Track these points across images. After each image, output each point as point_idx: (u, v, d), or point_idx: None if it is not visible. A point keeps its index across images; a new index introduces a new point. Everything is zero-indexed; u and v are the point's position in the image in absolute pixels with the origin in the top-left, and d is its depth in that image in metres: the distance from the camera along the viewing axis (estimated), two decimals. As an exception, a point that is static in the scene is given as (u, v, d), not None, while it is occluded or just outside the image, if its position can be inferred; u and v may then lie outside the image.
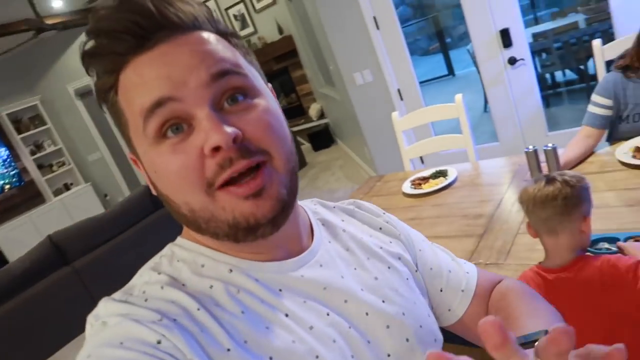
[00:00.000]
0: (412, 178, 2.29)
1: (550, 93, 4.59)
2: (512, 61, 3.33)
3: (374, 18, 3.55)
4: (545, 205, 1.05)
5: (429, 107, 2.47)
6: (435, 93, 6.79)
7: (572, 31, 4.44)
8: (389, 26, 3.58)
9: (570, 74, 4.74)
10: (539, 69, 4.60)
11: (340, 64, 3.81)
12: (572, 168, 1.80)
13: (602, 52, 2.15)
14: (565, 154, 1.86)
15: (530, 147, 1.63)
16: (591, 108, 1.90)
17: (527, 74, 3.36)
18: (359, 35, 3.61)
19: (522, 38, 3.27)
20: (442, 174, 2.25)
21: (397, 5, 4.05)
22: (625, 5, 2.77)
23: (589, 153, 1.87)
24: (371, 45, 3.61)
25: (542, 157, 1.62)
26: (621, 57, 1.84)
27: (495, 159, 2.25)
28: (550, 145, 1.59)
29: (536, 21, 6.44)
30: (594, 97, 1.89)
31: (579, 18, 4.69)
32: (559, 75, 4.82)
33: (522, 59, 3.31)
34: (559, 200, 1.04)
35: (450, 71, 7.76)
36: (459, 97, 2.33)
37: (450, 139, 2.45)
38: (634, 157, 1.67)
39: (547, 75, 4.76)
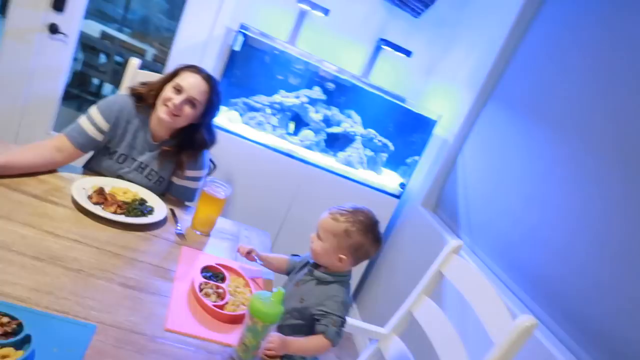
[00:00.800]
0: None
1: (75, 92, 4.06)
2: (54, 29, 2.63)
3: None
4: None
5: None
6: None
7: (138, 54, 4.24)
8: None
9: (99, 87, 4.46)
10: (79, 66, 4.10)
11: None
12: (6, 176, 1.24)
13: (135, 72, 1.83)
14: (10, 154, 1.30)
15: None
16: (84, 122, 1.48)
17: (61, 53, 2.72)
18: None
19: (78, 12, 2.66)
20: None
21: None
22: (184, 55, 2.70)
23: (50, 169, 1.39)
24: None
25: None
26: (143, 84, 1.55)
27: None
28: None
29: (120, 29, 6.06)
30: (94, 111, 1.49)
31: (150, 50, 4.61)
32: (95, 84, 4.44)
33: (65, 34, 2.67)
34: None
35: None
36: None
37: None
38: (90, 197, 1.29)
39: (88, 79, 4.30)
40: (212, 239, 1.47)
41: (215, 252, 1.40)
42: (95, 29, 4.27)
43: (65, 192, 1.32)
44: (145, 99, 1.52)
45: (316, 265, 1.29)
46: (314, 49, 2.69)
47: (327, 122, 2.75)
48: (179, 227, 1.42)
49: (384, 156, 2.83)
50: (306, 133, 2.66)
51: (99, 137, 1.48)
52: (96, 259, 1.10)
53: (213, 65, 2.66)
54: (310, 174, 2.58)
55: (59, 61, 2.74)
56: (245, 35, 2.51)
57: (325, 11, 2.49)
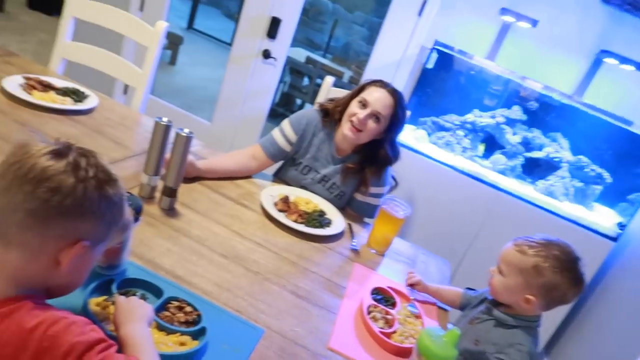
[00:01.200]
0: (27, 75, 1.50)
1: (280, 111, 4.51)
2: (266, 55, 2.97)
3: None
4: (22, 185, 0.58)
5: (118, 10, 1.75)
6: (205, 50, 6.09)
7: (336, 76, 4.52)
8: None
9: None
10: (285, 88, 4.55)
11: None
12: (209, 179, 1.39)
13: (328, 90, 1.90)
14: (214, 159, 1.45)
15: (165, 119, 1.11)
16: (276, 133, 1.58)
17: (271, 75, 3.05)
18: None
19: (287, 38, 2.95)
20: (76, 94, 1.55)
21: None
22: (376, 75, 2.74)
23: (244, 175, 1.51)
24: None
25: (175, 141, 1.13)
26: (331, 100, 1.59)
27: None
28: (187, 131, 1.10)
29: (323, 55, 6.60)
30: (285, 124, 1.58)
31: (347, 72, 4.89)
32: (298, 104, 4.85)
33: (275, 59, 2.98)
34: (46, 189, 0.58)
35: (191, 25, 7.32)
36: (161, 23, 1.71)
37: (125, 67, 1.78)
38: (276, 205, 1.36)
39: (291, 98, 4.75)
40: (386, 259, 1.40)
41: (389, 274, 1.32)
42: (301, 54, 4.73)
43: (256, 197, 1.42)
44: (331, 114, 1.55)
45: (495, 303, 1.10)
46: (515, 65, 2.42)
47: (527, 145, 2.43)
48: (354, 243, 1.39)
49: (598, 189, 2.37)
50: (497, 157, 2.40)
51: (287, 147, 1.57)
52: (273, 264, 1.13)
53: (404, 83, 2.62)
54: (503, 201, 2.30)
55: (268, 83, 3.07)
56: (439, 52, 2.41)
57: (534, 22, 2.22)
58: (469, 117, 2.46)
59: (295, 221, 1.35)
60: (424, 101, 2.61)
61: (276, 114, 4.42)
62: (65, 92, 1.54)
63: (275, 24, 2.93)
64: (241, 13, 2.98)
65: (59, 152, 0.60)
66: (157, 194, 1.19)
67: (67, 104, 1.48)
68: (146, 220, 1.09)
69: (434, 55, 2.47)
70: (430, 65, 2.50)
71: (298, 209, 1.39)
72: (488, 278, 1.10)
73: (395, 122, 1.49)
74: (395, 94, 1.47)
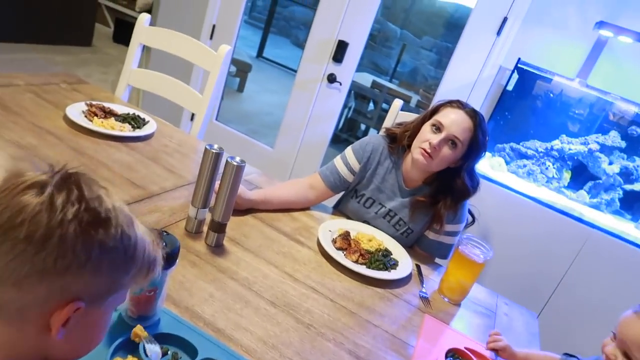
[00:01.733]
0: (91, 102, 1.50)
1: (343, 137, 4.39)
2: (331, 79, 2.88)
3: None
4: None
5: (184, 36, 1.73)
6: (273, 77, 6.18)
7: (403, 101, 4.35)
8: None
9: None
10: (350, 113, 4.44)
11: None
12: (264, 211, 1.28)
13: (396, 113, 1.75)
14: (269, 189, 1.34)
15: (216, 146, 1.01)
16: (337, 161, 1.45)
17: (335, 100, 2.95)
18: None
19: (354, 62, 2.84)
20: (135, 120, 1.52)
21: None
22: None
23: (302, 207, 1.39)
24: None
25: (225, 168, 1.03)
26: (399, 124, 1.43)
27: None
28: (238, 159, 0.99)
29: (390, 80, 6.48)
30: (348, 151, 1.44)
31: (415, 97, 4.71)
32: (362, 129, 4.72)
33: (340, 83, 2.89)
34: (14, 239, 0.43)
35: (260, 53, 7.41)
36: (224, 47, 1.65)
37: (187, 93, 1.74)
38: (334, 241, 1.22)
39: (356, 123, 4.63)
40: (462, 309, 1.19)
41: (465, 329, 1.11)
42: (367, 79, 4.62)
43: (313, 232, 1.28)
44: (399, 139, 1.39)
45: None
46: (612, 86, 2.13)
47: (627, 176, 2.11)
48: (424, 290, 1.20)
49: None
50: (581, 193, 2.09)
51: (349, 177, 1.42)
52: (329, 315, 0.98)
53: (479, 107, 2.40)
54: (596, 240, 1.99)
55: (332, 107, 2.97)
56: (521, 72, 2.18)
57: (637, 36, 1.94)
58: (556, 143, 2.19)
59: (356, 261, 1.19)
60: (502, 125, 2.37)
61: (339, 140, 4.32)
62: (125, 118, 1.51)
63: (341, 47, 2.84)
64: (308, 37, 2.93)
65: (42, 184, 0.45)
66: (205, 228, 1.09)
67: (125, 130, 1.45)
68: (190, 259, 0.99)
69: (515, 76, 2.24)
70: (510, 87, 2.27)
71: (359, 247, 1.23)
72: (602, 347, 0.87)
73: (474, 147, 1.29)
74: (475, 115, 1.29)
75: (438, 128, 1.29)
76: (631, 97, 2.05)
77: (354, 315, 1.01)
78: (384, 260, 1.21)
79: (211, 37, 3.20)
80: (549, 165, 2.16)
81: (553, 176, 2.16)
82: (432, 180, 1.36)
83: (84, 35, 4.94)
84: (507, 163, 2.26)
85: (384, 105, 4.51)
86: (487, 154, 2.33)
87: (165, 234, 0.76)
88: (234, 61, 5.09)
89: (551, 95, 2.26)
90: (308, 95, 2.99)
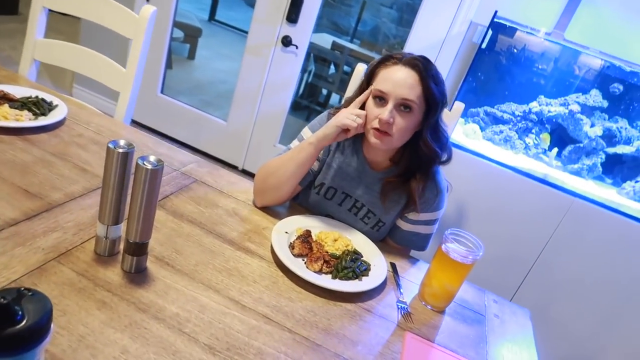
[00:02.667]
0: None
1: (304, 103, 4.12)
2: (287, 42, 2.59)
3: None
4: None
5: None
6: (227, 42, 5.75)
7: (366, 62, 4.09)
8: None
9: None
10: (310, 77, 4.14)
11: None
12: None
13: (360, 78, 1.50)
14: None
15: (122, 142, 0.75)
16: (294, 144, 1.19)
17: (292, 65, 2.67)
18: None
19: (310, 22, 2.55)
20: (38, 106, 1.22)
21: None
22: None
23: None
24: None
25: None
26: (346, 101, 1.18)
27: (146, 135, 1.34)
28: (153, 159, 0.74)
29: (351, 40, 6.15)
30: (305, 131, 1.21)
31: (378, 57, 4.44)
32: (324, 94, 4.44)
33: (296, 46, 2.60)
34: None
35: (212, 16, 6.93)
36: (147, 8, 1.35)
37: (107, 65, 1.44)
38: (292, 246, 0.99)
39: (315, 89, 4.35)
40: (447, 318, 1.01)
41: (454, 343, 0.93)
42: (327, 40, 4.31)
43: (267, 234, 1.05)
44: None
45: None
46: (591, 40, 1.94)
47: (610, 139, 1.96)
48: (402, 299, 1.00)
49: None
50: (561, 159, 1.94)
51: (315, 165, 1.19)
52: (287, 354, 0.76)
53: (448, 67, 2.19)
54: (578, 209, 1.86)
55: (289, 73, 2.69)
56: (495, 27, 1.97)
57: (620, -20, 1.74)
58: (533, 105, 2.01)
59: (320, 271, 0.97)
60: (475, 88, 2.17)
61: (300, 107, 4.04)
62: (24, 104, 1.21)
63: (296, 6, 2.54)
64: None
65: None
66: (122, 249, 0.84)
67: (23, 120, 1.15)
68: (97, 298, 0.74)
69: (489, 33, 2.02)
70: (484, 45, 2.06)
71: (322, 251, 1.01)
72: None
73: (431, 102, 1.05)
74: (417, 63, 1.04)
75: (382, 98, 1.05)
76: (612, 52, 1.87)
77: (319, 349, 0.80)
78: (353, 266, 1.00)
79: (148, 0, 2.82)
80: (525, 130, 1.99)
81: (533, 143, 1.99)
82: (400, 157, 1.14)
83: (9, 2, 4.37)
84: (482, 129, 2.07)
85: (346, 68, 4.24)
86: (460, 120, 2.13)
87: (28, 293, 0.51)
88: (181, 25, 4.65)
89: (527, 52, 2.06)
90: (262, 61, 2.69)
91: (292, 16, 2.55)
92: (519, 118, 1.99)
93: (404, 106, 1.03)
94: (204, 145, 3.00)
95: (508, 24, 1.94)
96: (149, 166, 0.75)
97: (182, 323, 0.75)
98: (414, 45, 2.35)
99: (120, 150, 0.76)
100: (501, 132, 1.98)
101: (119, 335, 0.69)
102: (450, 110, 1.55)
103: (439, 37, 2.27)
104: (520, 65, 2.08)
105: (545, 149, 2.02)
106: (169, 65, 4.56)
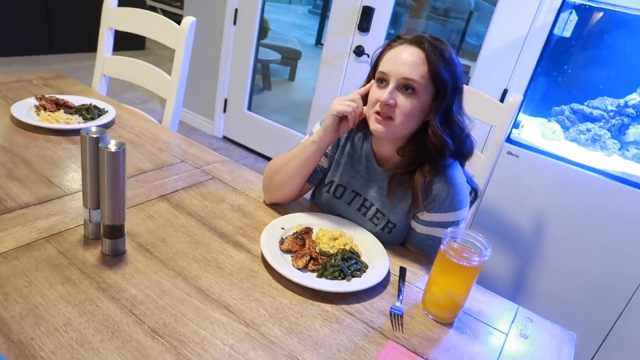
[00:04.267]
0: (41, 95, 1.37)
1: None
2: (359, 52, 2.56)
3: None
4: None
5: (146, 12, 1.54)
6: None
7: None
8: None
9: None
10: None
11: None
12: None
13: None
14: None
15: (94, 129, 0.80)
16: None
17: (365, 74, 2.62)
18: None
19: (382, 30, 2.50)
20: (89, 111, 1.37)
21: None
22: (491, 63, 2.11)
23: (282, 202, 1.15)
24: None
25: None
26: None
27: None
28: (114, 143, 0.77)
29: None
30: (315, 127, 1.15)
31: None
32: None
33: (368, 55, 2.55)
34: None
35: (318, 40, 7.00)
36: (187, 19, 1.44)
37: (155, 75, 1.56)
38: (282, 242, 0.95)
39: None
40: (452, 332, 0.86)
41: (451, 362, 0.79)
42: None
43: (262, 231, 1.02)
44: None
45: None
46: None
47: None
48: (398, 304, 0.89)
49: None
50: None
51: (324, 162, 1.13)
52: (232, 349, 0.72)
53: (533, 66, 1.95)
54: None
55: (362, 82, 2.65)
56: (581, 11, 1.71)
57: None
58: (632, 98, 1.69)
59: (304, 268, 0.91)
60: (559, 84, 1.90)
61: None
62: (78, 110, 1.36)
63: (367, 15, 2.51)
64: (331, 6, 2.63)
65: None
66: (107, 233, 0.88)
67: (73, 123, 1.30)
68: (65, 275, 0.78)
69: (573, 18, 1.77)
70: (567, 33, 1.80)
71: (313, 249, 0.95)
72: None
73: (439, 84, 0.93)
74: (423, 41, 0.93)
75: (383, 80, 0.95)
76: None
77: (272, 347, 0.73)
78: (341, 265, 0.91)
79: (234, 22, 3.03)
80: (622, 127, 1.67)
81: (629, 140, 1.66)
82: (408, 148, 1.03)
83: (138, 38, 5.07)
84: (566, 129, 1.79)
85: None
86: (542, 120, 1.88)
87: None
88: (279, 49, 4.90)
89: (621, 36, 1.75)
90: (336, 73, 2.70)
91: (364, 25, 2.52)
92: (612, 114, 1.68)
93: (406, 87, 0.93)
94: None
95: (595, 4, 1.67)
96: (112, 149, 0.77)
97: (135, 305, 0.75)
98: (492, 45, 2.15)
99: (93, 136, 0.81)
100: (588, 130, 1.69)
101: (69, 310, 0.72)
102: (505, 105, 1.38)
103: (520, 34, 2.05)
104: (614, 53, 1.76)
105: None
106: (267, 86, 4.85)
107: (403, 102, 0.93)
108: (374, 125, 0.96)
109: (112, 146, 0.78)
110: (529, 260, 1.79)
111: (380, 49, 1.01)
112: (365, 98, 1.02)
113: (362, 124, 1.05)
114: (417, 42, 0.94)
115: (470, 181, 1.07)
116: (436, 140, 0.96)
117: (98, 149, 0.81)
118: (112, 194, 0.80)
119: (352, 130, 1.11)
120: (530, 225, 1.73)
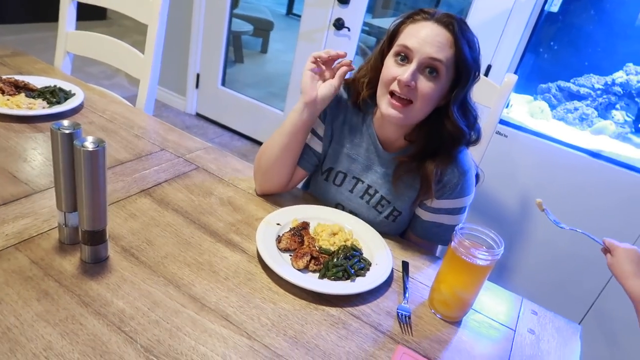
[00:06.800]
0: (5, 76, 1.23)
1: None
2: (339, 25, 2.46)
3: None
4: None
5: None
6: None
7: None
8: None
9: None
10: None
11: None
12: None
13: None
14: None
15: (66, 123, 0.70)
16: None
17: (345, 49, 2.53)
18: None
19: (363, 5, 2.39)
20: (54, 94, 1.24)
21: None
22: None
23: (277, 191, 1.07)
24: None
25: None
26: (359, 69, 1.03)
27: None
28: (92, 139, 0.67)
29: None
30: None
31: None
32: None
33: (348, 29, 2.46)
34: None
35: (290, 10, 6.80)
36: (158, -7, 1.31)
37: (127, 53, 1.43)
38: (279, 240, 0.89)
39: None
40: (461, 331, 0.83)
41: (463, 364, 0.75)
42: (386, 21, 4.09)
43: (257, 226, 0.95)
44: (356, 91, 1.00)
45: None
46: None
47: None
48: (405, 303, 0.84)
49: None
50: (603, 125, 1.58)
51: (317, 146, 1.06)
52: (236, 362, 0.66)
53: (518, 40, 1.91)
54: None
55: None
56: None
57: None
58: (619, 75, 1.67)
59: (305, 268, 0.85)
60: (545, 60, 1.87)
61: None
62: (41, 93, 1.23)
63: (346, -15, 2.40)
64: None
65: None
66: (86, 237, 0.79)
67: (36, 108, 1.17)
68: (42, 288, 0.70)
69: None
70: (554, 8, 1.76)
71: (313, 246, 0.89)
72: None
73: (462, 69, 0.87)
74: (452, 22, 0.86)
75: (405, 56, 0.88)
76: None
77: (279, 360, 0.68)
78: (345, 264, 0.86)
79: (205, -8, 2.86)
80: (608, 106, 1.66)
81: (620, 120, 1.66)
82: (418, 136, 0.97)
83: (99, 8, 4.76)
84: (552, 107, 1.77)
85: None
86: (527, 98, 1.85)
87: None
88: (250, 19, 4.70)
89: (609, 13, 1.72)
90: (315, 47, 2.59)
91: (344, -4, 2.41)
92: (599, 92, 1.66)
93: (430, 68, 0.86)
94: (261, 135, 2.99)
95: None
96: (90, 147, 0.68)
97: (125, 321, 0.68)
98: (477, 17, 2.09)
99: (66, 132, 0.71)
100: (576, 109, 1.67)
101: (49, 330, 0.64)
102: (500, 85, 1.33)
103: (505, 7, 2.00)
104: (601, 29, 1.74)
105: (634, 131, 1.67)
106: (239, 59, 4.66)
107: (424, 85, 0.86)
108: (388, 110, 0.89)
109: (89, 144, 0.68)
110: (516, 239, 1.79)
111: (399, 20, 0.93)
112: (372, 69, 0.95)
113: (364, 110, 0.98)
114: (445, 22, 0.86)
115: (475, 166, 1.03)
116: (453, 129, 0.90)
117: (72, 147, 0.71)
118: (91, 197, 0.71)
119: (349, 113, 1.04)
120: (518, 205, 1.73)
